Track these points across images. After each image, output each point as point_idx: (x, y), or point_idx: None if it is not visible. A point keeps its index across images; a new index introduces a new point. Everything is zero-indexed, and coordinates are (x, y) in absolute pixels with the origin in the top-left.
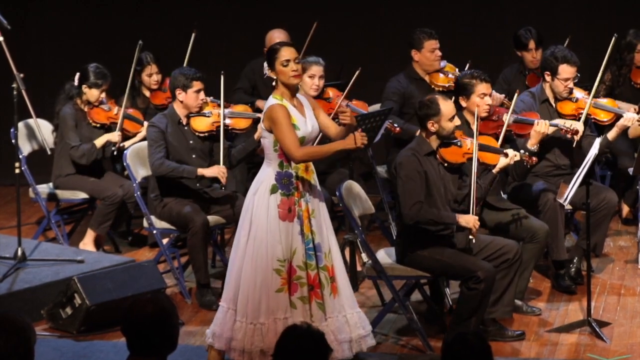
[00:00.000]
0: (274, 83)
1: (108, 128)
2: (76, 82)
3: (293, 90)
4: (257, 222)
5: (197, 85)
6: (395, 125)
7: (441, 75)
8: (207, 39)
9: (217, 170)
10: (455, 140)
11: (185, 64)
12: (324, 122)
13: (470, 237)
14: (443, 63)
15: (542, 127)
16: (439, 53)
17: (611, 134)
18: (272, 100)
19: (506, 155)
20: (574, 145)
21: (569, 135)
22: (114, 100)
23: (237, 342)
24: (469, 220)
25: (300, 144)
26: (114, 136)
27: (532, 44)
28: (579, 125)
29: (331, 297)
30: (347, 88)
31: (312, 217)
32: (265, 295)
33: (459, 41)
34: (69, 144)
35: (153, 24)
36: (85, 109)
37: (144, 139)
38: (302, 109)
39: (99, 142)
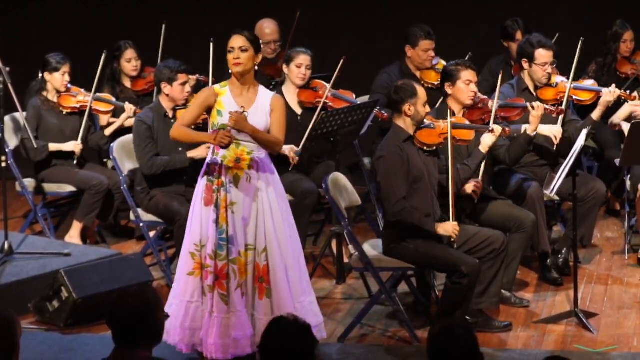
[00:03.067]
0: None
1: (80, 113)
2: (40, 75)
3: (242, 80)
4: (192, 203)
5: (182, 78)
6: (384, 112)
7: (433, 73)
8: (192, 31)
9: (205, 150)
10: (428, 124)
11: (159, 56)
12: (272, 124)
13: (453, 240)
14: (435, 60)
15: (539, 110)
16: (432, 54)
17: (595, 114)
18: (217, 84)
19: (492, 131)
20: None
21: (554, 115)
22: (84, 90)
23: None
24: (447, 229)
25: (222, 130)
26: (69, 146)
27: (519, 35)
28: (557, 130)
29: (238, 292)
30: (334, 76)
31: (229, 209)
32: (180, 277)
33: (449, 32)
34: (23, 137)
35: (135, 16)
36: (55, 100)
37: (129, 131)
38: (249, 102)
39: (52, 147)
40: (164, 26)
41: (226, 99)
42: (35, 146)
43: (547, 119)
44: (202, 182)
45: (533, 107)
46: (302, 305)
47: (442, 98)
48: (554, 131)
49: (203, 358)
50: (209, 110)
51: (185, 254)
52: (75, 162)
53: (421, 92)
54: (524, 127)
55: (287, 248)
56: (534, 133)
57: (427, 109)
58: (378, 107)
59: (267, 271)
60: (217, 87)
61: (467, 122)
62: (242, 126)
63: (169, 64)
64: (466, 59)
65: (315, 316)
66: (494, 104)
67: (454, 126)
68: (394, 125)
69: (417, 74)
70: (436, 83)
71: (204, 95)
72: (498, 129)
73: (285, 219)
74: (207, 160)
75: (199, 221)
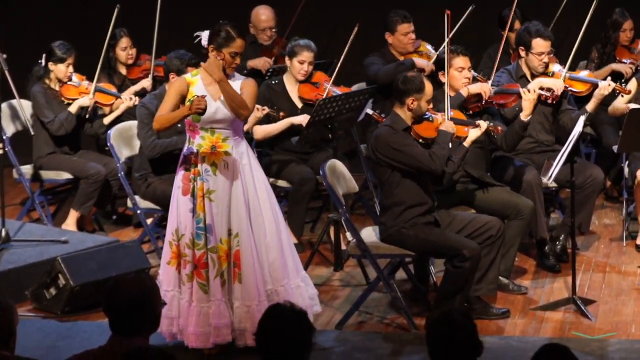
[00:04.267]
0: (204, 52)
1: None
2: (43, 62)
3: (220, 70)
4: (171, 193)
5: (191, 71)
6: (383, 115)
7: (415, 54)
8: (186, 17)
9: None
10: (426, 116)
11: (108, 37)
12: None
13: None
14: (417, 43)
15: (532, 94)
16: (412, 36)
17: (590, 106)
18: (187, 74)
19: (477, 126)
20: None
21: (549, 101)
22: (85, 77)
23: None
24: (448, 125)
25: (196, 121)
26: (86, 101)
27: (517, 24)
28: (558, 84)
29: (217, 280)
30: (334, 73)
31: (207, 198)
32: (161, 266)
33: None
34: (44, 120)
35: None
36: (57, 88)
37: (128, 117)
38: (218, 90)
39: (73, 108)
40: (116, 10)
41: (197, 88)
42: (57, 126)
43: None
44: (180, 172)
45: (528, 91)
46: (285, 288)
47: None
48: (557, 84)
49: (202, 350)
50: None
51: (166, 243)
52: (87, 116)
53: (428, 88)
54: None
55: (263, 231)
56: (528, 118)
57: (430, 105)
58: (377, 111)
59: (239, 256)
60: (188, 76)
61: (464, 118)
62: (213, 70)
63: (180, 55)
64: (443, 45)
65: (302, 300)
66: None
67: (452, 121)
68: (392, 112)
69: (401, 59)
70: None
71: (177, 85)
72: (484, 124)
73: (265, 200)
74: (184, 150)
75: (176, 210)
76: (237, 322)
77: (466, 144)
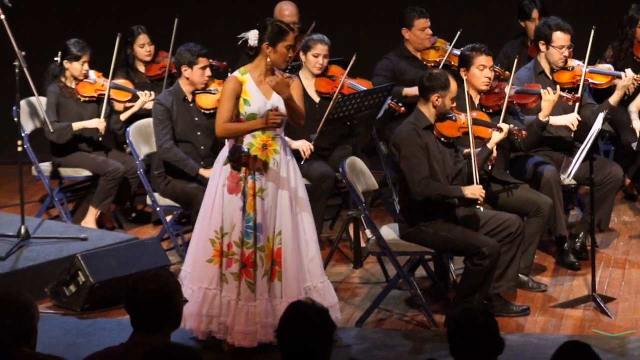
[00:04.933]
0: (251, 53)
1: (97, 101)
2: (58, 60)
3: (270, 68)
4: (209, 190)
5: (202, 61)
6: (400, 104)
7: (433, 50)
8: (209, 17)
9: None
10: (450, 115)
11: (170, 49)
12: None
13: (478, 206)
14: (433, 39)
15: (551, 95)
16: (429, 32)
17: (613, 98)
18: (235, 72)
19: (500, 129)
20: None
21: (570, 103)
22: (102, 74)
23: None
24: (474, 191)
25: (249, 120)
26: (93, 123)
27: (535, 14)
28: (573, 118)
29: (264, 280)
30: (349, 67)
31: (257, 196)
32: (199, 263)
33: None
34: (45, 120)
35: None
36: (73, 85)
37: (144, 115)
38: (271, 89)
39: (76, 125)
40: (176, 20)
41: (250, 87)
42: (52, 130)
43: (559, 109)
44: (224, 169)
45: (548, 92)
46: (324, 285)
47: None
48: (570, 119)
49: (220, 344)
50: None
51: (204, 240)
52: (100, 139)
53: (453, 86)
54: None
55: (303, 227)
56: (546, 119)
57: (454, 104)
58: (395, 100)
59: (280, 253)
60: (238, 75)
61: (487, 119)
62: (282, 90)
63: (190, 47)
64: (455, 37)
65: (332, 297)
66: (508, 90)
67: (474, 122)
68: (416, 110)
69: (418, 55)
70: (437, 60)
71: (231, 86)
72: (505, 127)
73: (303, 197)
74: (229, 148)
75: (221, 208)
76: (277, 319)
77: (490, 145)
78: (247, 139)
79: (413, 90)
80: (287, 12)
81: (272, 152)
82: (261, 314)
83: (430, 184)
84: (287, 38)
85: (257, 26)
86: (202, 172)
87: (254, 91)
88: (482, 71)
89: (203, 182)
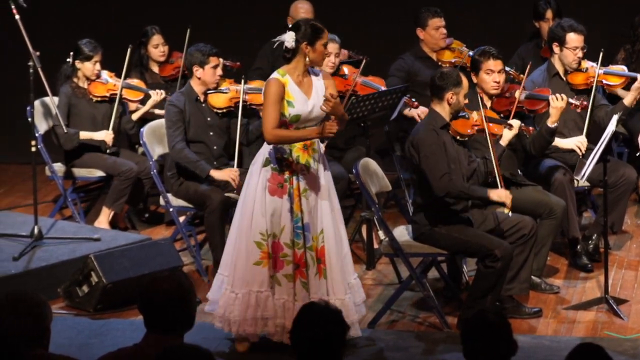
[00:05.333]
0: (288, 55)
1: (109, 101)
2: (70, 61)
3: (303, 71)
4: (247, 192)
5: (213, 61)
6: (414, 100)
7: (448, 51)
8: (217, 19)
9: (228, 174)
10: (463, 113)
11: (184, 53)
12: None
13: (506, 211)
14: (449, 40)
15: (559, 101)
16: (444, 31)
17: (628, 99)
18: (274, 74)
19: (511, 127)
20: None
21: (579, 110)
22: (115, 74)
23: (220, 307)
24: (500, 194)
25: (293, 121)
26: (101, 135)
27: (549, 14)
28: (581, 140)
29: (316, 278)
30: (360, 68)
31: (302, 197)
32: (243, 266)
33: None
34: (54, 123)
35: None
36: (85, 86)
37: (156, 116)
38: (309, 88)
39: (83, 135)
40: (188, 31)
41: (292, 88)
42: (65, 131)
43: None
44: (263, 171)
45: (556, 99)
46: (357, 281)
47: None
48: (577, 143)
49: (234, 345)
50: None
51: (249, 244)
52: (107, 151)
53: (465, 82)
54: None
55: (337, 223)
56: (555, 124)
57: (466, 100)
58: (408, 95)
59: (324, 252)
60: (278, 77)
61: (497, 117)
62: (338, 110)
63: (200, 47)
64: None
65: (362, 293)
66: (519, 95)
67: (486, 119)
68: (431, 110)
69: (433, 55)
70: (453, 60)
71: (275, 90)
72: (516, 123)
73: (334, 194)
74: (269, 149)
75: (263, 210)
76: None
77: (503, 143)
78: None
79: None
80: (302, 10)
81: (311, 151)
82: None
83: (452, 182)
84: (323, 36)
85: (287, 28)
86: (213, 173)
87: (296, 92)
88: (490, 75)
89: (214, 183)
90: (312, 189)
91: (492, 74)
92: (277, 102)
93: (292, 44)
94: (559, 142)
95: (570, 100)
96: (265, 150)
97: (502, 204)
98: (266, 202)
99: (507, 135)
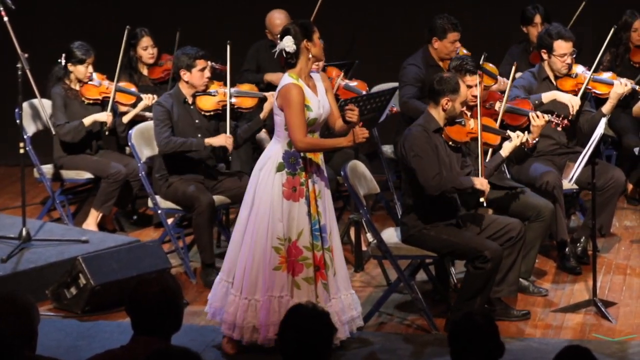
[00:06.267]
0: (292, 60)
1: (101, 104)
2: (62, 63)
3: (308, 70)
4: (260, 198)
5: (201, 63)
6: (392, 105)
7: None
8: (206, 22)
9: (224, 139)
10: (459, 120)
11: (174, 55)
12: (332, 105)
13: (482, 200)
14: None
15: (539, 120)
16: (458, 44)
17: (606, 107)
18: (288, 78)
19: (509, 137)
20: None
21: (559, 128)
22: (106, 76)
23: (229, 315)
24: (483, 182)
25: (311, 125)
26: (103, 116)
27: (537, 19)
28: (574, 101)
29: (335, 278)
30: (350, 70)
31: (318, 198)
32: (262, 272)
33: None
34: (55, 123)
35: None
36: (77, 88)
37: (144, 118)
38: (315, 89)
39: (87, 120)
40: (177, 34)
41: (307, 91)
42: (70, 124)
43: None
44: (278, 176)
45: (537, 117)
46: (352, 295)
47: None
48: (572, 101)
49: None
50: (262, 101)
51: (268, 249)
52: (106, 132)
53: (463, 90)
54: (543, 95)
55: (336, 231)
56: (535, 140)
57: (464, 108)
58: (393, 105)
59: (332, 250)
60: (294, 82)
61: (495, 126)
62: (351, 139)
63: (187, 51)
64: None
65: (359, 305)
66: (501, 107)
67: (483, 128)
68: (426, 112)
69: (441, 64)
70: None
71: (298, 95)
72: (517, 135)
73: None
74: (281, 153)
75: (280, 215)
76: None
77: (503, 154)
78: None
79: (275, 76)
80: (278, 20)
81: (319, 153)
82: (339, 312)
83: (444, 179)
84: (315, 29)
85: (281, 35)
86: (209, 141)
87: (311, 95)
88: (468, 90)
89: (203, 185)
90: (323, 190)
91: (471, 89)
92: (303, 108)
93: (293, 47)
94: (556, 94)
95: (550, 118)
96: (275, 154)
97: (482, 193)
98: (282, 207)
99: (508, 147)
